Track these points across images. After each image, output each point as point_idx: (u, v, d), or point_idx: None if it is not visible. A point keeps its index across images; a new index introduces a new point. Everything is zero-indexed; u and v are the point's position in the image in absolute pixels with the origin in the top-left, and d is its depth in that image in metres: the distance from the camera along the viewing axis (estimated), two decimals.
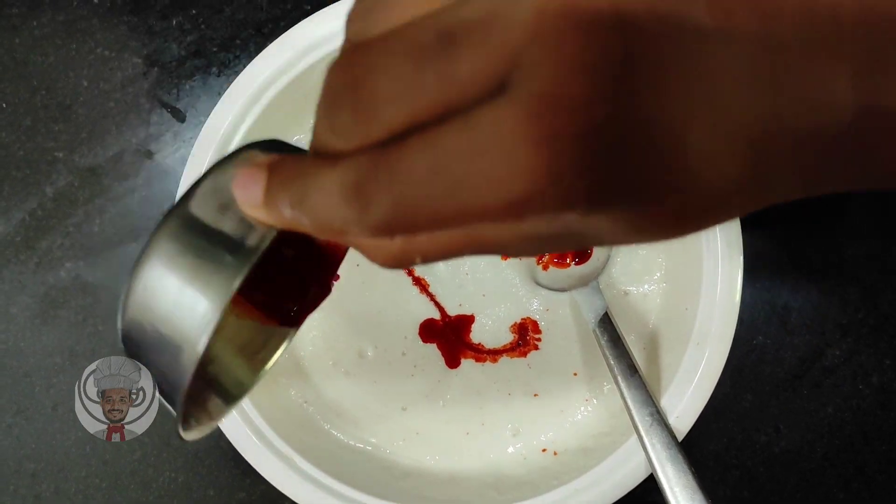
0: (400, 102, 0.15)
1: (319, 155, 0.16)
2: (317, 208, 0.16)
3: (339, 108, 0.16)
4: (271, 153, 0.20)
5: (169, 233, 0.20)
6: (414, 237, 0.17)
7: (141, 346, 0.21)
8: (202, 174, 0.21)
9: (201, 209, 0.20)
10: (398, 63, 0.15)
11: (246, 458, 0.39)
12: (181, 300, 0.20)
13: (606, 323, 0.39)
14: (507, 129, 0.14)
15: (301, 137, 0.43)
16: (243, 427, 0.39)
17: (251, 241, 0.19)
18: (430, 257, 0.18)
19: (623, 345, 0.39)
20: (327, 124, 0.16)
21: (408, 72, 0.15)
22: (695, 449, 0.43)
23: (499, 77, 0.14)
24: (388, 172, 0.15)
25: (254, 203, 0.18)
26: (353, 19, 0.18)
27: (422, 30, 0.15)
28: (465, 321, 0.43)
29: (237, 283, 0.19)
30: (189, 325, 0.20)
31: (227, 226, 0.20)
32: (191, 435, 0.24)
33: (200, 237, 0.20)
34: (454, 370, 0.43)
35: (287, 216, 0.17)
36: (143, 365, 0.22)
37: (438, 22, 0.15)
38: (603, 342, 0.39)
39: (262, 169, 0.18)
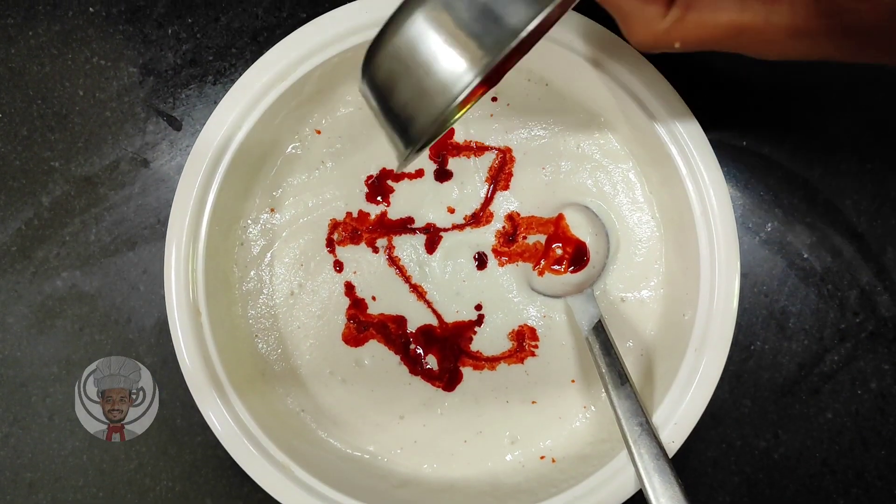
0: None
1: None
2: None
3: None
4: None
5: None
6: (686, 15, 0.20)
7: (392, 78, 0.23)
8: None
9: None
10: None
11: (243, 467, 0.38)
12: (450, 48, 0.21)
13: (599, 331, 0.39)
14: None
15: (296, 146, 0.43)
16: (240, 436, 0.38)
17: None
18: (689, 43, 0.21)
19: (615, 353, 0.38)
20: None
21: None
22: (693, 455, 0.43)
23: None
24: None
25: None
26: None
27: None
28: (463, 328, 0.43)
29: (517, 40, 0.21)
30: (455, 69, 0.21)
31: None
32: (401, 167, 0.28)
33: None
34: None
35: None
36: (386, 96, 0.23)
37: None
38: (595, 350, 0.39)
39: None
